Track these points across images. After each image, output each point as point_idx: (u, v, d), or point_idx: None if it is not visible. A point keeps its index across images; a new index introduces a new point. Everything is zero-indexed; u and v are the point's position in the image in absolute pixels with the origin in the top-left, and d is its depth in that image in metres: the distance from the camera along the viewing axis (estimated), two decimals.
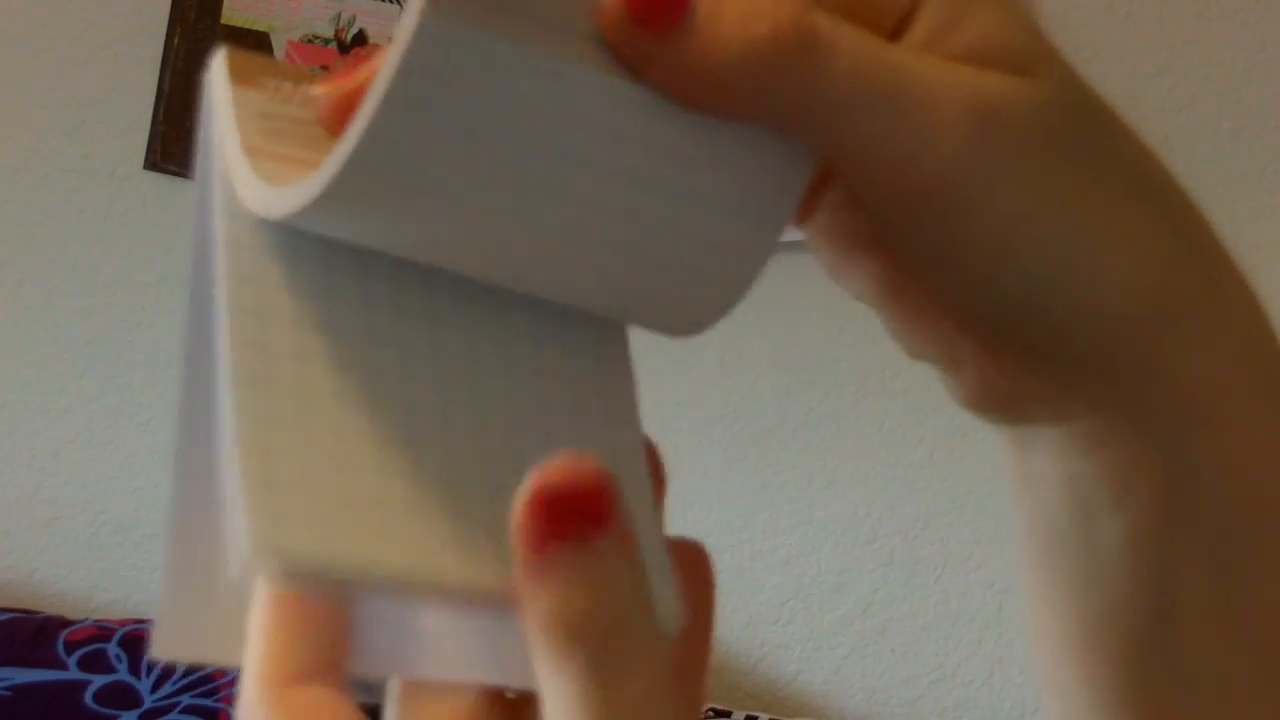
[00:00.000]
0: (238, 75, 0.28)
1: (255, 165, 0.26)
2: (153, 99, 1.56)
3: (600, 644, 0.23)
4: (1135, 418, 0.28)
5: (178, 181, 1.55)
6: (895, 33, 0.26)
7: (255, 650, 0.26)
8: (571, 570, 0.23)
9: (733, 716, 1.41)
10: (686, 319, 0.28)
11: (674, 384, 1.51)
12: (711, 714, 1.40)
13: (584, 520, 0.23)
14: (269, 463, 0.24)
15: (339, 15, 1.56)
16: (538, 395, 0.27)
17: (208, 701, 1.34)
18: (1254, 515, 0.28)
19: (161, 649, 0.28)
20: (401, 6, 1.55)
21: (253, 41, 1.55)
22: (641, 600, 0.23)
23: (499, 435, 0.26)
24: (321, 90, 0.27)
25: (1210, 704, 0.29)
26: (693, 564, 0.28)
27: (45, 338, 1.58)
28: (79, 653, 1.37)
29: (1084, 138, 0.27)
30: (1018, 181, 0.26)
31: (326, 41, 1.56)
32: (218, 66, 0.28)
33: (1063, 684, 0.31)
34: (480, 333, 0.27)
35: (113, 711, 1.33)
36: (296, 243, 0.26)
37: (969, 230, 0.26)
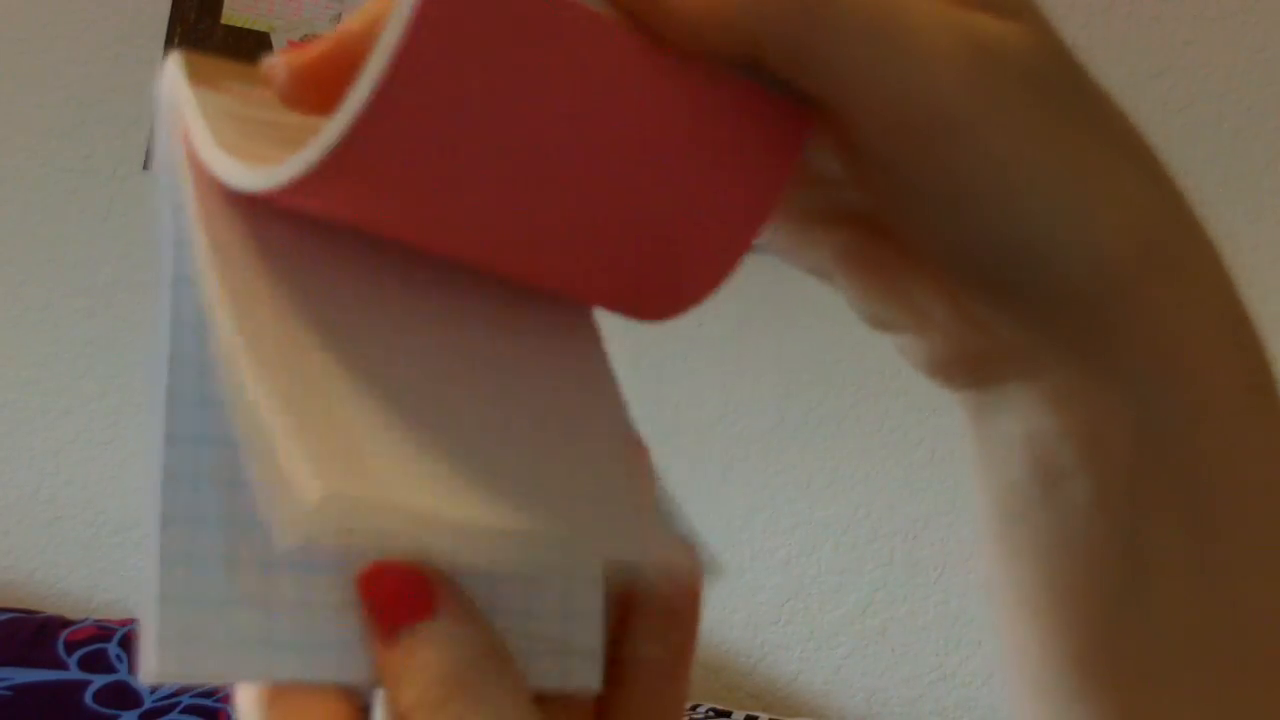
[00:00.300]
0: (197, 79, 0.28)
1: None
2: (153, 99, 1.56)
3: (442, 711, 0.25)
4: (1110, 368, 0.28)
5: None
6: None
7: None
8: (407, 653, 0.25)
9: (733, 716, 1.41)
10: (681, 291, 0.28)
11: (674, 384, 1.51)
12: (712, 714, 1.40)
13: (407, 615, 0.26)
14: (297, 416, 0.24)
15: (339, 15, 1.56)
16: (527, 402, 0.27)
17: (208, 701, 1.34)
18: (1225, 467, 0.28)
19: (154, 671, 0.26)
20: None
21: (253, 41, 1.55)
22: (485, 668, 0.26)
23: (505, 427, 0.26)
24: (280, 60, 0.27)
25: (1181, 664, 0.29)
26: (679, 567, 0.29)
27: (46, 338, 1.58)
28: (79, 653, 1.37)
29: (1068, 82, 0.27)
30: (1014, 115, 0.26)
31: None
32: (174, 71, 0.28)
33: (1028, 656, 0.31)
34: (463, 336, 0.27)
35: (113, 711, 1.33)
36: (274, 242, 0.26)
37: (968, 160, 0.26)
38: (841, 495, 1.54)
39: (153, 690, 1.35)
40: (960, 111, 0.26)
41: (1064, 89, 0.27)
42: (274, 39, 1.56)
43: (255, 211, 0.26)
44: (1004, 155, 0.26)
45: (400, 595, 0.26)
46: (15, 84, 1.58)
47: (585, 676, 0.27)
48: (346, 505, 0.22)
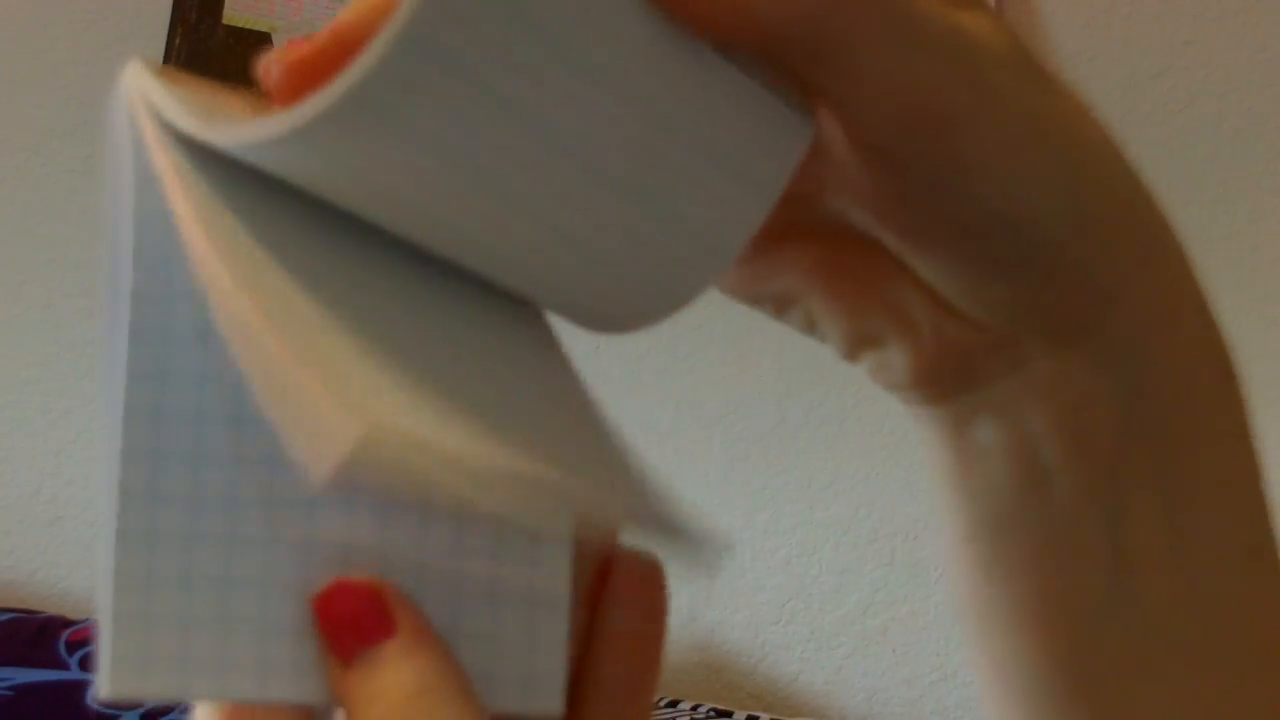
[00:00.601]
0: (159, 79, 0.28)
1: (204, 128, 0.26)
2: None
3: None
4: (1096, 350, 0.28)
5: None
6: None
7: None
8: (365, 677, 0.25)
9: (734, 716, 1.41)
10: (667, 292, 0.27)
11: (675, 383, 1.51)
12: (713, 714, 1.40)
13: (365, 637, 0.25)
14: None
15: None
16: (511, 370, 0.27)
17: None
18: (1201, 456, 0.29)
19: (108, 690, 0.26)
20: None
21: (254, 41, 1.55)
22: (443, 691, 0.25)
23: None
24: (275, 56, 0.26)
25: (1166, 657, 0.29)
26: (644, 585, 0.28)
27: (46, 338, 1.58)
28: (81, 652, 1.37)
29: (1036, 64, 0.28)
30: (1011, 101, 0.27)
31: None
32: (135, 71, 0.28)
33: (1016, 670, 0.31)
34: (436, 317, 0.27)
35: (114, 711, 1.33)
36: (245, 210, 0.26)
37: (975, 146, 0.27)
38: (842, 495, 1.54)
39: None
40: (967, 102, 0.26)
41: (1036, 72, 0.28)
42: (275, 39, 1.56)
43: (220, 183, 0.26)
44: (1006, 139, 0.27)
45: (358, 617, 0.25)
46: (15, 84, 1.58)
47: (547, 701, 0.27)
48: (387, 441, 0.21)
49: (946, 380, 0.30)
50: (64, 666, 1.36)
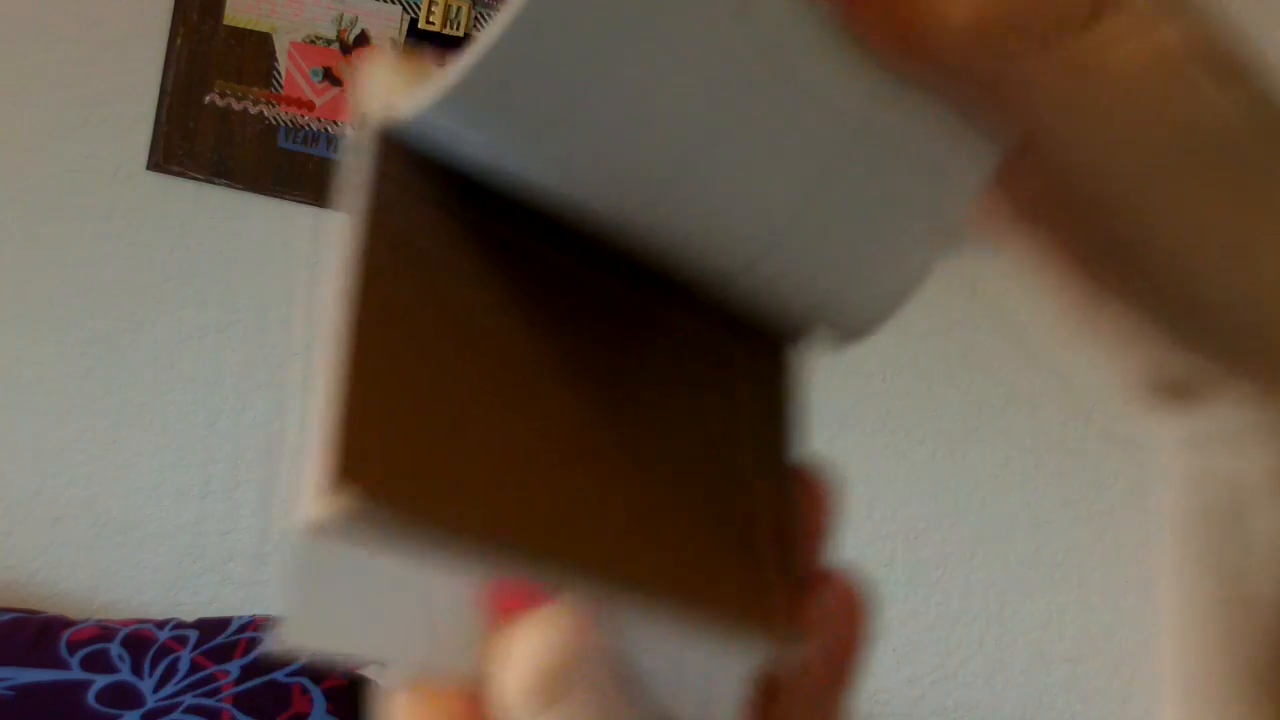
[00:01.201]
0: (400, 84, 0.28)
1: None
2: (155, 99, 1.56)
3: (547, 693, 0.25)
4: None
5: (180, 182, 1.55)
6: (1092, 18, 0.26)
7: None
8: (516, 639, 0.25)
9: None
10: (860, 307, 0.27)
11: None
12: None
13: (521, 601, 0.25)
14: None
15: (341, 16, 1.56)
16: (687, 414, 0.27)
17: (210, 701, 1.34)
18: None
19: (283, 640, 0.26)
20: (405, 8, 1.55)
21: (254, 42, 1.55)
22: (588, 661, 0.25)
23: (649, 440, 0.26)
24: None
25: None
26: (840, 603, 0.28)
27: (48, 338, 1.58)
28: (81, 653, 1.37)
29: (1271, 154, 0.27)
30: (1202, 196, 0.26)
31: (329, 42, 1.56)
32: (380, 72, 0.28)
33: (1208, 665, 0.32)
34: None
35: (115, 711, 1.33)
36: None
37: (1161, 231, 0.26)
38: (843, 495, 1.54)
39: (155, 690, 1.35)
40: (1152, 187, 0.26)
41: (1265, 159, 0.26)
42: (276, 40, 1.56)
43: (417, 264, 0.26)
44: (1194, 227, 0.26)
45: (514, 585, 0.25)
46: (18, 84, 1.58)
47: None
48: (364, 517, 0.21)
49: (1176, 400, 0.30)
50: (64, 666, 1.36)
